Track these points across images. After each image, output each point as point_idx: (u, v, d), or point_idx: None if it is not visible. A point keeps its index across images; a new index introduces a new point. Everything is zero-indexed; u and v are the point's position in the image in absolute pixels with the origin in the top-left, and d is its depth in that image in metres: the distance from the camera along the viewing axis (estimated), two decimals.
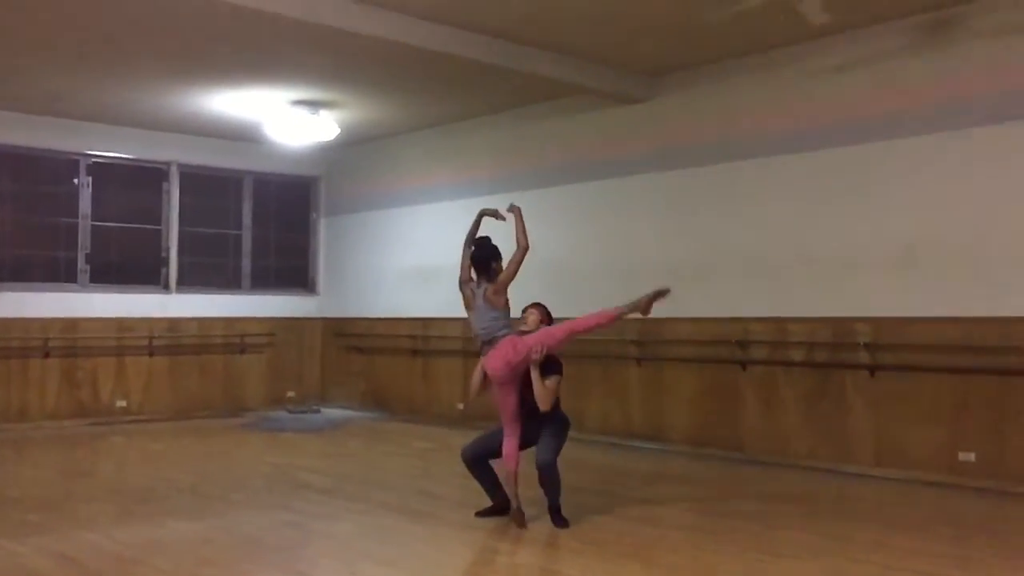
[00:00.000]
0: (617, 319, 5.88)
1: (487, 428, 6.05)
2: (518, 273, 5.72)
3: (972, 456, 6.96)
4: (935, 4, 7.11)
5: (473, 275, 5.90)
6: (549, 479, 5.69)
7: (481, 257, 5.86)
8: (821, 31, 7.53)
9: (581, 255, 9.61)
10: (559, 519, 5.65)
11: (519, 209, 5.90)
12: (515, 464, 5.71)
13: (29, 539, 5.39)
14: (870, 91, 7.65)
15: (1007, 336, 6.82)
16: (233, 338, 12.10)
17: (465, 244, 5.99)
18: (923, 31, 7.33)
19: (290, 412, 12.21)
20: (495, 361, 5.64)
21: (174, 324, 11.66)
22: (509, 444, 5.74)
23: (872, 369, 7.51)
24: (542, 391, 5.62)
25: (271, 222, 12.81)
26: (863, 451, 7.56)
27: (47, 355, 10.69)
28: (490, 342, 5.69)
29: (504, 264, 5.81)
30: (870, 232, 7.60)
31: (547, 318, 5.95)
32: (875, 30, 7.51)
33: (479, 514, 5.89)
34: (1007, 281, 6.86)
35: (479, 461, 5.92)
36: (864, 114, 7.67)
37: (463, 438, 9.86)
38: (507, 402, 5.71)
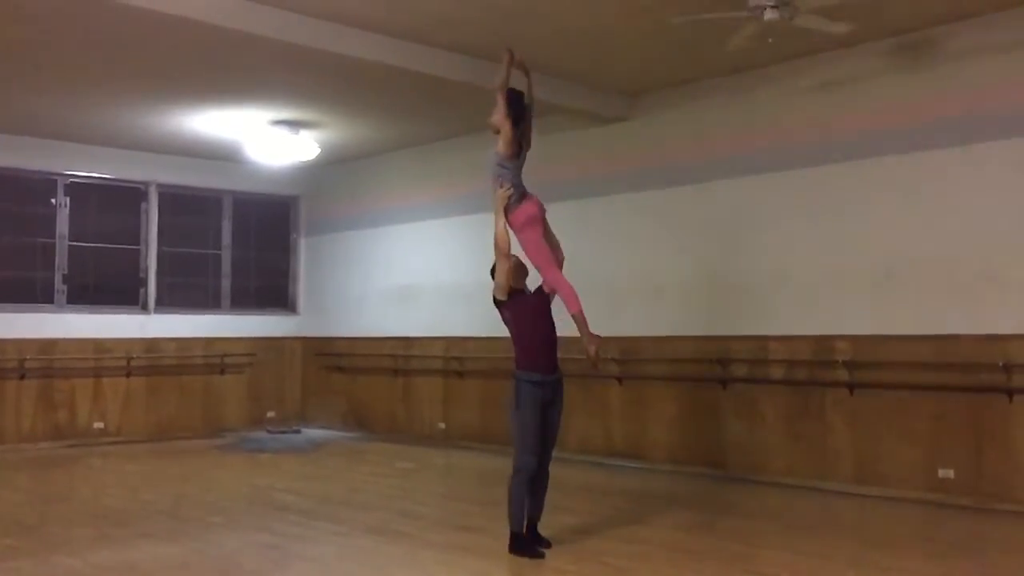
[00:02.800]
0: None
1: (518, 437, 5.52)
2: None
3: (951, 473, 7.00)
4: (910, 26, 7.20)
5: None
6: (546, 482, 5.64)
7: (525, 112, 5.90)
8: (801, 50, 7.61)
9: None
10: (542, 539, 5.62)
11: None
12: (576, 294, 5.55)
13: (4, 563, 5.32)
14: (846, 111, 7.73)
15: (982, 353, 6.87)
16: (213, 358, 12.02)
17: (501, 90, 5.86)
18: (898, 52, 7.42)
19: (270, 432, 12.13)
20: (538, 201, 5.75)
21: (152, 344, 11.58)
22: (563, 280, 5.57)
23: (851, 387, 7.55)
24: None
25: (251, 242, 12.76)
26: (843, 468, 7.59)
27: (23, 377, 10.58)
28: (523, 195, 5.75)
29: None
30: (848, 251, 7.66)
31: None
32: (851, 51, 7.59)
33: (535, 555, 5.45)
34: (982, 299, 6.93)
35: None
36: (840, 134, 7.75)
37: (445, 458, 9.94)
38: (543, 246, 5.70)
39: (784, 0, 5.78)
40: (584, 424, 9.28)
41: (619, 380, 9.11)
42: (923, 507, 6.92)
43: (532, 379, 5.54)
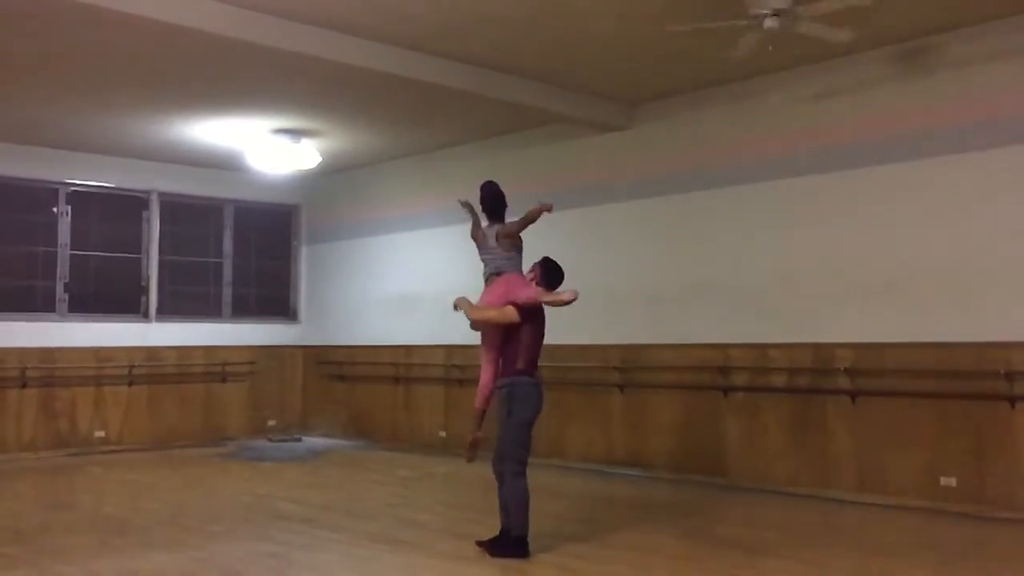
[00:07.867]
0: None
1: (522, 439, 5.90)
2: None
3: (953, 481, 6.99)
4: (909, 34, 7.21)
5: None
6: None
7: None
8: (800, 58, 7.64)
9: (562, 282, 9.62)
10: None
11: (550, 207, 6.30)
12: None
13: (4, 573, 5.31)
14: (847, 119, 7.74)
15: (983, 361, 6.87)
16: (214, 367, 12.02)
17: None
18: (900, 60, 7.43)
19: (271, 441, 12.12)
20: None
21: (154, 353, 11.58)
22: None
23: (853, 395, 7.54)
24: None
25: (252, 250, 12.77)
26: (845, 477, 7.58)
27: (24, 385, 10.58)
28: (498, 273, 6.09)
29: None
30: (849, 258, 7.66)
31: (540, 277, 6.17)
32: (850, 59, 7.61)
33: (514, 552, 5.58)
34: (983, 306, 6.93)
35: None
36: (841, 142, 7.76)
37: (446, 466, 9.92)
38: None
39: (783, 8, 5.80)
40: (585, 432, 9.27)
41: (620, 388, 9.10)
42: (925, 515, 6.90)
43: (536, 382, 5.78)
